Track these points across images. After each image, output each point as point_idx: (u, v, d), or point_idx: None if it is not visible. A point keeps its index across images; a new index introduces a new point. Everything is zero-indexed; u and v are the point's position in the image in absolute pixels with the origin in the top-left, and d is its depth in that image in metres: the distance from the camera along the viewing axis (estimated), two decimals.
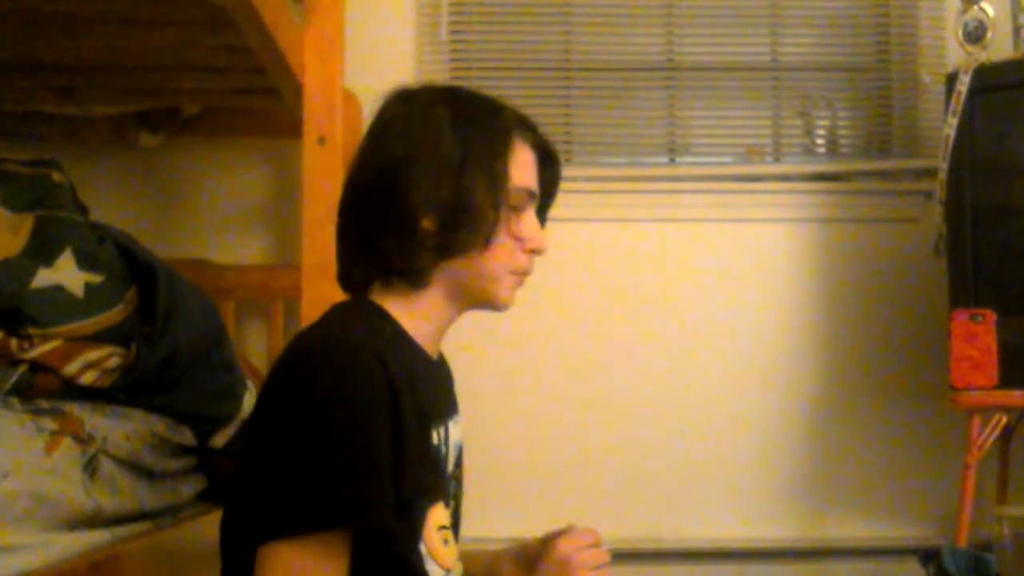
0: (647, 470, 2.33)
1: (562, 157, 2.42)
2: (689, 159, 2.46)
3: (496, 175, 1.01)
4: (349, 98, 1.92)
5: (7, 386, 1.31)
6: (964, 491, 1.90)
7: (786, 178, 2.42)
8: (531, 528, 1.15)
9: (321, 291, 1.57)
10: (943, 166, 1.98)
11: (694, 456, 2.33)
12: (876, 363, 2.35)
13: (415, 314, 1.04)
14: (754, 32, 2.46)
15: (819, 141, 2.52)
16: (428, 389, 1.01)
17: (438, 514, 1.00)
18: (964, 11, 2.03)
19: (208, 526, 1.25)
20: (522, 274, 1.07)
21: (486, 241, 1.01)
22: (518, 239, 1.05)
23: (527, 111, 1.10)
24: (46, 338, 1.37)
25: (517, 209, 1.04)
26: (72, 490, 1.15)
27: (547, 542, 1.03)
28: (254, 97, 2.09)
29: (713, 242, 2.39)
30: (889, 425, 2.33)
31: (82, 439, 1.20)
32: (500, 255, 1.03)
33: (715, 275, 2.38)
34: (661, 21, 2.46)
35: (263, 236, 2.40)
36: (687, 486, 2.33)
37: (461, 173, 1.00)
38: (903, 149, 2.42)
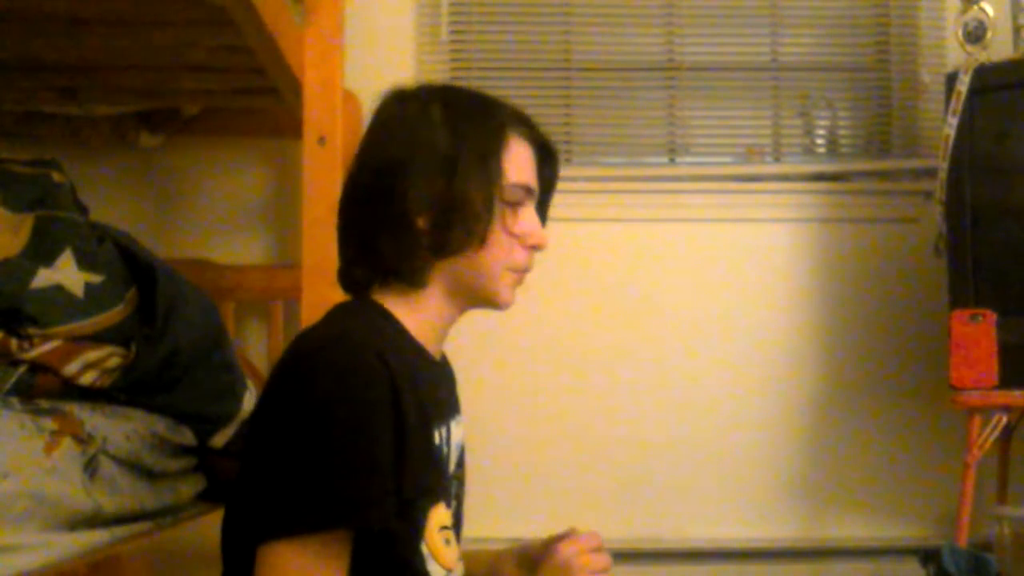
0: (647, 470, 2.33)
1: (562, 157, 2.42)
2: (689, 159, 2.46)
3: (490, 172, 1.01)
4: (349, 98, 1.92)
5: (7, 386, 1.31)
6: (964, 491, 1.90)
7: (786, 178, 2.42)
8: (531, 528, 1.15)
9: (321, 291, 1.57)
10: (943, 166, 1.98)
11: (694, 456, 2.33)
12: (876, 363, 2.35)
13: (416, 314, 1.04)
14: (754, 32, 2.46)
15: (819, 141, 2.52)
16: (430, 389, 1.01)
17: (440, 514, 1.00)
18: (964, 11, 2.03)
19: (208, 526, 1.25)
20: (521, 271, 1.07)
21: (481, 239, 1.01)
22: (516, 235, 1.04)
23: (527, 111, 1.10)
24: (46, 338, 1.37)
25: (514, 205, 1.04)
26: (72, 490, 1.15)
27: (549, 545, 1.03)
28: (254, 97, 2.09)
29: (713, 242, 2.39)
30: (889, 425, 2.33)
31: (82, 439, 1.20)
32: (497, 252, 1.03)
33: (715, 275, 2.38)
34: (661, 21, 2.46)
35: (263, 236, 2.40)
36: (687, 486, 2.33)
37: (454, 171, 1.00)
38: (903, 149, 2.42)
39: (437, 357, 1.09)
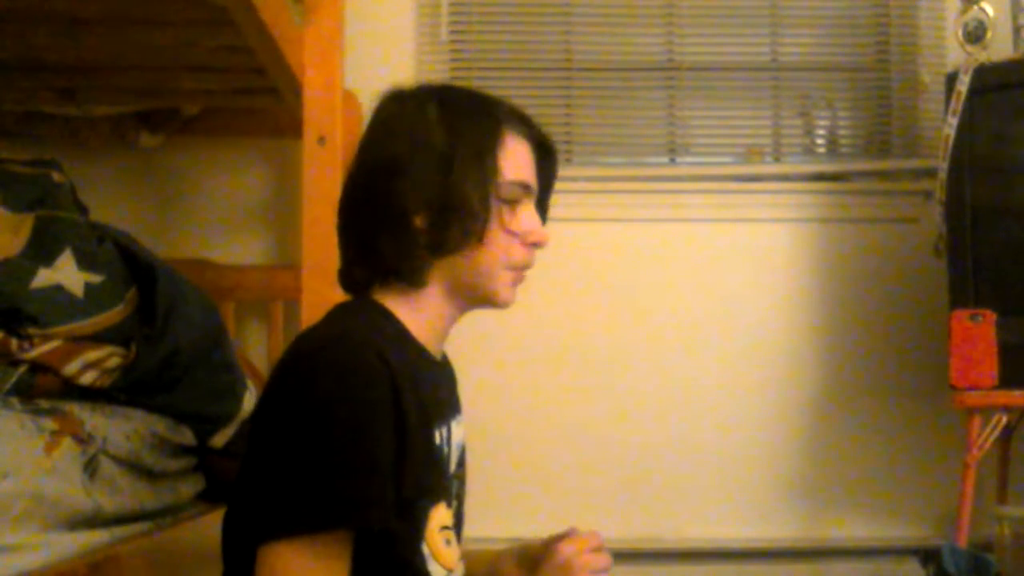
0: (647, 470, 2.33)
1: (562, 157, 2.43)
2: (689, 159, 2.46)
3: (485, 170, 1.01)
4: (349, 98, 1.92)
5: (7, 386, 1.31)
6: (964, 491, 1.90)
7: (786, 178, 2.42)
8: (531, 528, 1.15)
9: (321, 291, 1.57)
10: (943, 166, 1.98)
11: (694, 456, 2.33)
12: (876, 363, 2.35)
13: (416, 313, 1.04)
14: (754, 32, 2.46)
15: (819, 141, 2.52)
16: (431, 389, 1.01)
17: (440, 514, 1.00)
18: (964, 11, 2.03)
19: (208, 526, 1.25)
20: (521, 269, 1.06)
21: (479, 237, 1.01)
22: (514, 233, 1.04)
23: (527, 111, 1.10)
24: (46, 338, 1.37)
25: (512, 203, 1.04)
26: (72, 490, 1.15)
27: (549, 544, 1.03)
28: (254, 97, 2.09)
29: (713, 242, 2.39)
30: (889, 425, 2.33)
31: (82, 439, 1.20)
32: (495, 250, 1.03)
33: (715, 275, 2.38)
34: (661, 21, 2.45)
35: (263, 236, 2.40)
36: (687, 486, 2.33)
37: (450, 169, 0.99)
38: (903, 149, 2.42)
39: (438, 357, 1.09)
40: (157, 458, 1.36)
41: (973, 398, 1.88)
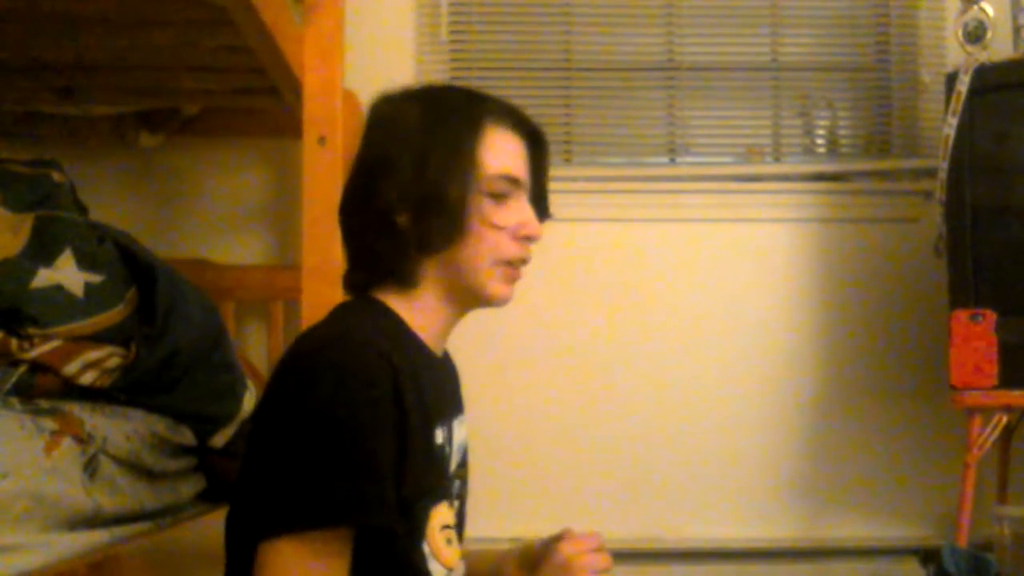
0: (647, 470, 2.33)
1: (562, 157, 2.42)
2: (689, 159, 2.46)
3: (463, 164, 1.01)
4: (349, 98, 1.92)
5: (7, 386, 1.31)
6: (964, 491, 1.90)
7: (786, 178, 2.42)
8: (531, 528, 1.15)
9: (321, 291, 1.56)
10: (943, 166, 1.98)
11: (694, 456, 2.33)
12: (876, 363, 2.35)
13: (416, 313, 1.04)
14: (754, 32, 2.46)
15: (819, 141, 2.52)
16: (432, 388, 1.01)
17: (441, 513, 1.00)
18: (964, 11, 2.03)
19: (208, 526, 1.26)
20: (512, 263, 1.05)
21: (460, 232, 1.01)
22: (501, 228, 1.03)
23: (527, 111, 1.10)
24: (46, 338, 1.37)
25: (498, 197, 1.03)
26: (72, 490, 1.15)
27: (549, 545, 1.03)
28: (254, 97, 2.09)
29: (713, 242, 2.39)
30: (889, 425, 2.33)
31: (82, 439, 1.20)
32: (479, 246, 1.02)
33: (715, 275, 2.38)
34: (661, 21, 2.45)
35: (263, 236, 2.40)
36: (687, 486, 2.33)
37: (426, 165, 1.00)
38: (903, 149, 2.42)
39: (440, 355, 1.09)
40: (157, 458, 1.36)
41: (973, 398, 1.88)
